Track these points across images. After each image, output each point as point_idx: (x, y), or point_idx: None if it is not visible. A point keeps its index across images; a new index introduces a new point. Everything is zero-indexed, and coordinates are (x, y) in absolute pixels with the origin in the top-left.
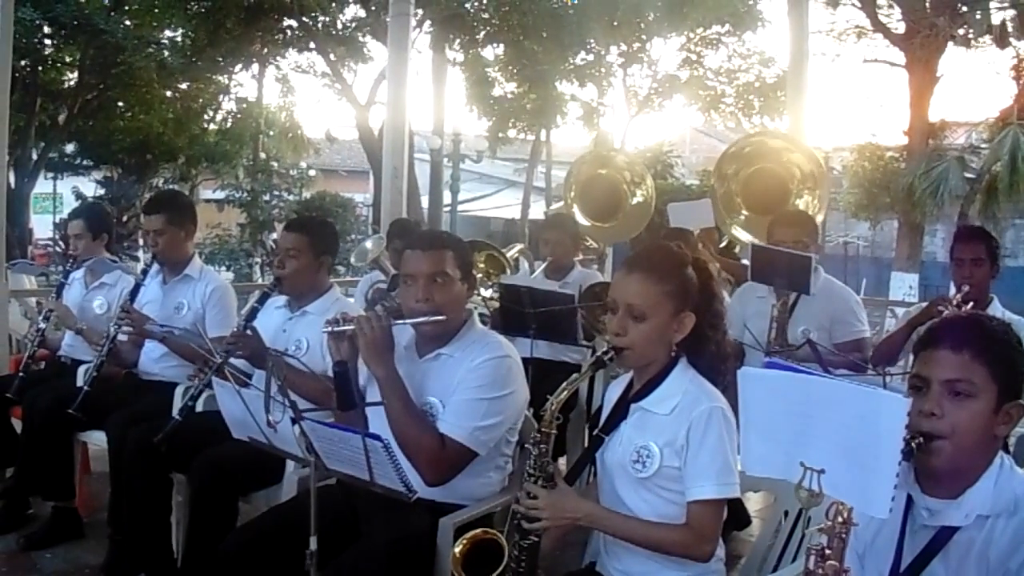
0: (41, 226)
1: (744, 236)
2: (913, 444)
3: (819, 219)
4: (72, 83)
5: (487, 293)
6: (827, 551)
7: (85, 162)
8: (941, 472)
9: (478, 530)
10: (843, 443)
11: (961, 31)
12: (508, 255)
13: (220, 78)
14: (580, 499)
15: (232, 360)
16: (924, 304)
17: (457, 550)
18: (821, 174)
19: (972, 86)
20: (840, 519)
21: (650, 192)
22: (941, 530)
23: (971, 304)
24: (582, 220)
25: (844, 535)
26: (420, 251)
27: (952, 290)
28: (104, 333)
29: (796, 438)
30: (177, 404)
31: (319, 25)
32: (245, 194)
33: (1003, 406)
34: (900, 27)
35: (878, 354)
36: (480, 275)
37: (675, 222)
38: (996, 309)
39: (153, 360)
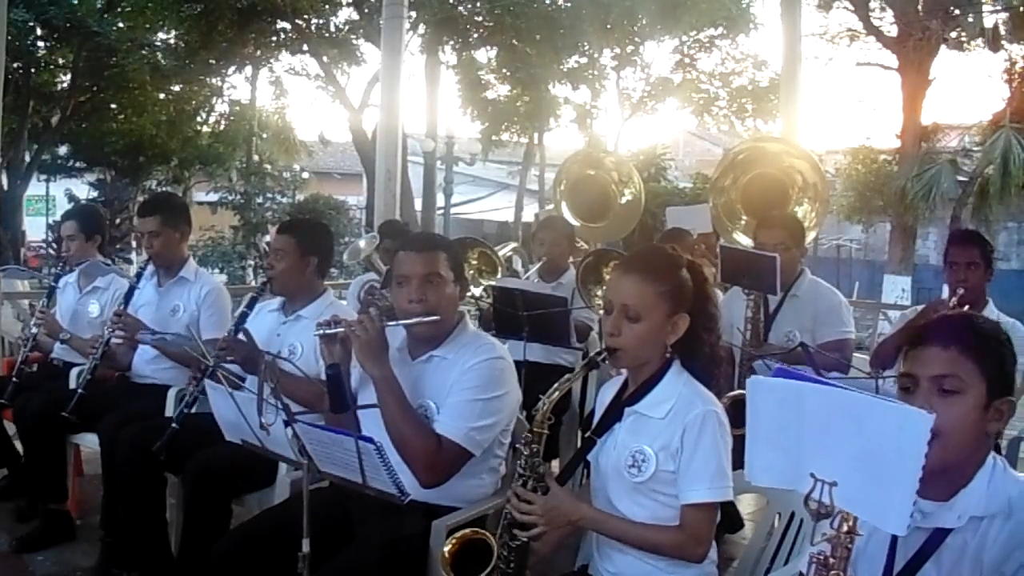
0: (34, 228)
1: (746, 241)
2: None
3: (811, 236)
4: (65, 85)
5: (478, 291)
6: (831, 560)
7: (78, 164)
8: (932, 471)
9: (467, 529)
10: (859, 456)
11: (954, 34)
12: (500, 253)
13: (213, 80)
14: (575, 501)
15: (225, 364)
16: (920, 308)
17: (446, 549)
18: (824, 189)
19: (964, 89)
20: (845, 528)
21: (639, 189)
22: (934, 532)
23: (966, 308)
24: (572, 221)
25: (849, 545)
26: (414, 252)
27: (945, 293)
28: (97, 338)
29: (807, 448)
30: (170, 407)
31: (312, 27)
32: (238, 196)
33: (993, 402)
34: (893, 30)
35: (875, 358)
36: (472, 272)
37: (672, 224)
38: (991, 312)
39: (146, 362)
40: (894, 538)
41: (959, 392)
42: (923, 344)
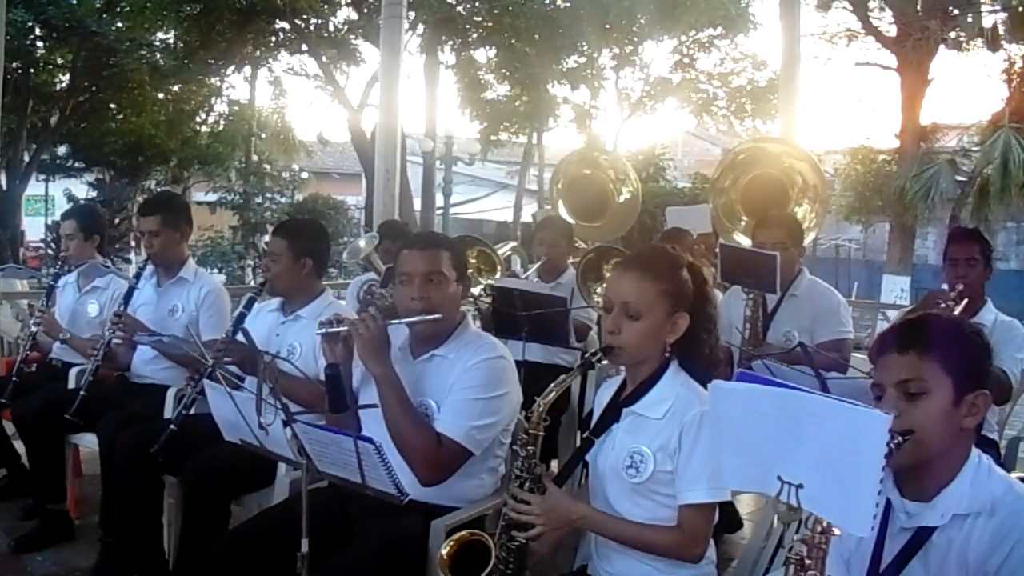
0: (33, 228)
1: (746, 242)
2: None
3: (811, 236)
4: (64, 85)
5: (476, 291)
6: (807, 561)
7: (77, 164)
8: (910, 469)
9: (465, 531)
10: (822, 458)
11: (952, 34)
12: (500, 253)
13: (212, 80)
14: (573, 501)
15: (224, 365)
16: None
17: (444, 551)
18: (824, 191)
19: (963, 89)
20: (819, 528)
21: (636, 188)
22: (918, 531)
23: (966, 302)
24: (569, 219)
25: (824, 545)
26: (417, 250)
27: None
28: (97, 339)
29: (773, 451)
30: (168, 407)
31: (311, 27)
32: (237, 196)
33: (964, 397)
34: (892, 30)
35: (873, 351)
36: (471, 271)
37: (672, 224)
38: (990, 311)
39: (145, 362)
40: (880, 538)
41: (924, 393)
42: (884, 352)
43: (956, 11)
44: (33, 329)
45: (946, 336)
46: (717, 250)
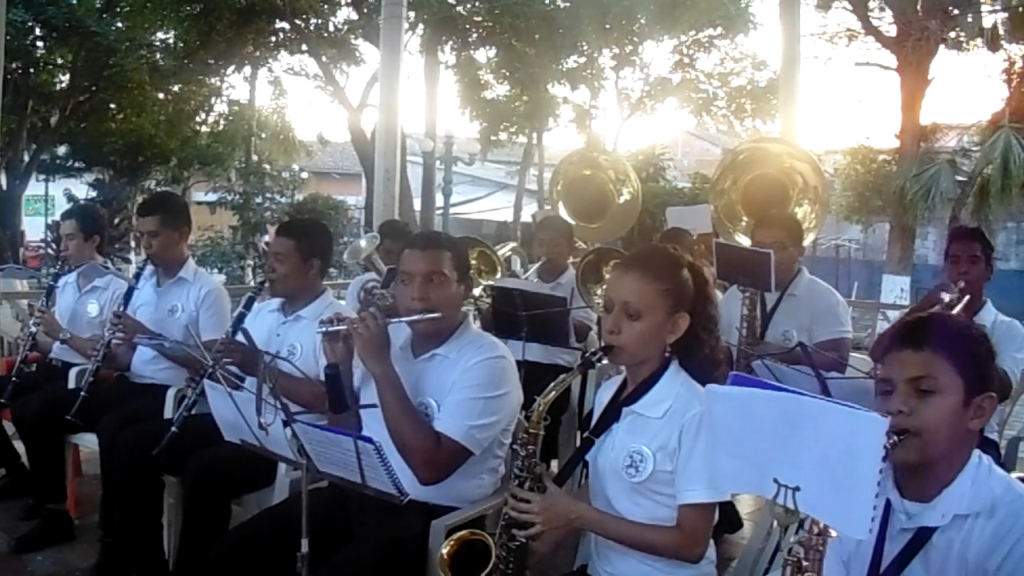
0: (33, 228)
1: (747, 242)
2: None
3: (811, 237)
4: (64, 85)
5: (477, 292)
6: (804, 563)
7: (77, 164)
8: (913, 468)
9: (465, 531)
10: (819, 461)
11: (952, 34)
12: (500, 253)
13: (212, 80)
14: (572, 500)
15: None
16: None
17: (444, 551)
18: (825, 192)
19: (963, 89)
20: (816, 530)
21: (636, 189)
22: (918, 531)
23: (968, 297)
24: (569, 220)
25: (821, 547)
26: (418, 250)
27: None
28: (97, 338)
29: (769, 455)
30: (168, 407)
31: (311, 27)
32: (237, 196)
33: (973, 399)
34: (892, 30)
35: (876, 347)
36: (471, 272)
37: (672, 224)
38: (990, 311)
39: (145, 362)
40: (880, 539)
41: (936, 392)
42: (897, 347)
43: (956, 11)
44: (33, 329)
45: (959, 337)
46: (714, 247)
